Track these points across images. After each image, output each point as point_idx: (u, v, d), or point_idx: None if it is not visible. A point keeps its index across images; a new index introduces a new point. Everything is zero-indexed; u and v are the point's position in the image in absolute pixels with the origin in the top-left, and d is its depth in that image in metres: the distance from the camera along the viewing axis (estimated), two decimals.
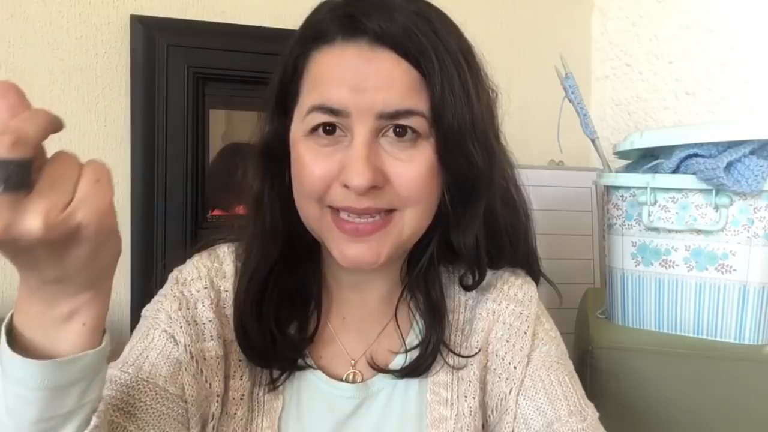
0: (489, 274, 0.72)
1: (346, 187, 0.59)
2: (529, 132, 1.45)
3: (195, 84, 1.19)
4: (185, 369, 0.62)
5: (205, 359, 0.63)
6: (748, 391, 0.86)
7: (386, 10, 0.59)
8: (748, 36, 1.22)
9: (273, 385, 0.67)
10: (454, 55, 0.60)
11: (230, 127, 1.34)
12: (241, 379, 0.66)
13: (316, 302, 0.70)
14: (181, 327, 0.63)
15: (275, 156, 0.66)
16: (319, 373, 0.69)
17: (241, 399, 0.66)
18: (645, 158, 1.00)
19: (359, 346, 0.71)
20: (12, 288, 1.10)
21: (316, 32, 0.62)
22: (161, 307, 0.65)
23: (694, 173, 0.88)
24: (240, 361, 0.66)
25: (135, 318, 1.15)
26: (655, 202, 0.92)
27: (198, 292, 0.66)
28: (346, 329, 0.71)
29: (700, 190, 0.89)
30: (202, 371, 0.63)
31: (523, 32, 1.44)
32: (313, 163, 0.60)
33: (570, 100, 1.04)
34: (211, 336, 0.65)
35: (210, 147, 1.25)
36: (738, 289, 0.89)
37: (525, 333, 0.69)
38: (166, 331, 0.63)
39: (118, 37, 1.15)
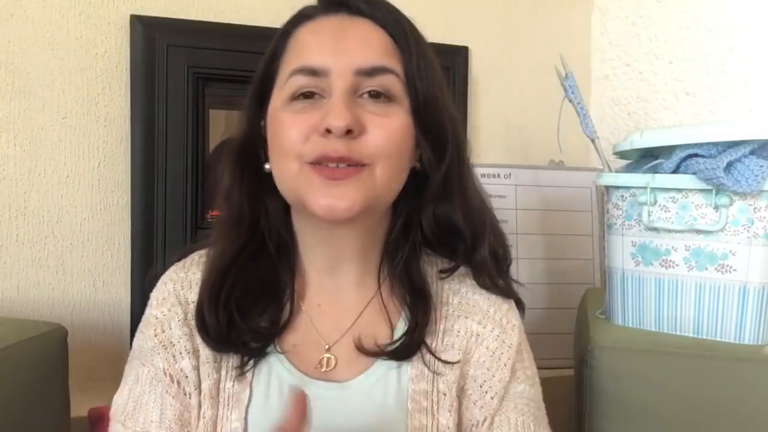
0: (478, 295, 0.73)
1: (327, 131, 0.63)
2: (529, 132, 1.45)
3: (195, 84, 1.19)
4: (166, 392, 0.66)
5: (186, 377, 0.67)
6: (748, 391, 0.86)
7: None
8: (748, 36, 1.22)
9: (241, 371, 0.68)
10: (421, 39, 0.68)
11: (230, 127, 1.33)
12: (209, 378, 0.68)
13: (290, 290, 0.72)
14: (158, 353, 0.68)
15: (248, 149, 0.71)
16: (289, 366, 0.69)
17: (211, 398, 0.67)
18: (645, 158, 1.00)
19: (334, 333, 0.72)
20: (12, 288, 1.10)
21: (299, 14, 0.69)
22: (141, 343, 0.70)
23: (694, 173, 0.88)
24: (207, 362, 0.68)
25: (135, 318, 1.15)
26: (655, 202, 0.92)
27: (168, 311, 0.70)
28: (321, 315, 0.72)
29: (700, 190, 0.89)
30: (184, 390, 0.67)
31: (523, 32, 1.44)
32: (291, 123, 0.65)
33: (570, 100, 1.04)
34: (187, 351, 0.68)
35: (210, 147, 1.25)
36: (738, 289, 0.89)
37: (505, 365, 0.70)
38: (148, 369, 0.68)
39: (118, 37, 1.15)
